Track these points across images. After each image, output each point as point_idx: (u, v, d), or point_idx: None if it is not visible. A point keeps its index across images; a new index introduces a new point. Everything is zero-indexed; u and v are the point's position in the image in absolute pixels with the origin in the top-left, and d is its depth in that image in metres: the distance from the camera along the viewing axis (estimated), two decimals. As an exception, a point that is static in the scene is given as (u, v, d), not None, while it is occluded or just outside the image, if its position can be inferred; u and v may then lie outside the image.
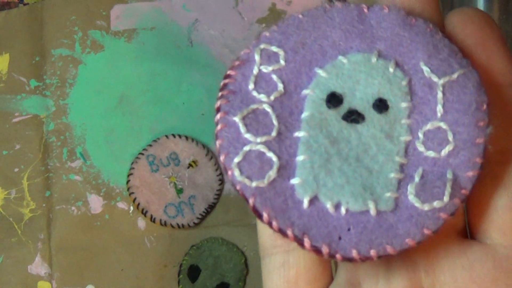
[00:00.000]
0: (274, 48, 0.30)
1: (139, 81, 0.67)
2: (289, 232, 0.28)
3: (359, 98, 0.29)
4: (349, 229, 0.28)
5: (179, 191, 0.65)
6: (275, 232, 0.28)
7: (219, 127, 0.29)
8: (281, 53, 0.30)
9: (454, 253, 0.30)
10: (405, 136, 0.29)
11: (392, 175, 0.28)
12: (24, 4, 0.68)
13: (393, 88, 0.29)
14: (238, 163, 0.28)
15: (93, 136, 0.67)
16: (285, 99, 0.29)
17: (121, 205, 0.66)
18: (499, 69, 0.30)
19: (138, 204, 0.65)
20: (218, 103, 0.29)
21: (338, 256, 0.28)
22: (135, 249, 0.65)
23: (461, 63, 0.29)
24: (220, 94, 0.30)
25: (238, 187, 0.28)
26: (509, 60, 0.30)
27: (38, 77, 0.67)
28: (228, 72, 0.30)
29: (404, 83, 0.29)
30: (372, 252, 0.27)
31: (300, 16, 0.30)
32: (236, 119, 0.29)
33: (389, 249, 0.27)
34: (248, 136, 0.28)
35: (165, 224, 0.65)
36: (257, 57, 0.30)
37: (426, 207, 0.28)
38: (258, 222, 0.30)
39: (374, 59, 0.29)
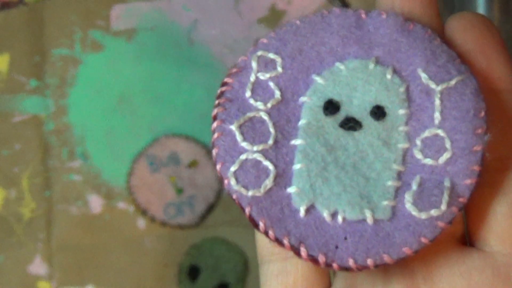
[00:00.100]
0: (271, 55, 0.30)
1: (139, 81, 0.67)
2: (286, 241, 0.28)
3: (356, 105, 0.29)
4: (345, 238, 0.28)
5: (179, 191, 0.65)
6: (272, 241, 0.28)
7: (215, 135, 0.29)
8: (279, 60, 0.30)
9: (453, 261, 0.29)
10: (402, 144, 0.29)
11: (390, 183, 0.28)
12: (24, 4, 0.68)
13: (391, 95, 0.29)
14: (235, 172, 0.28)
15: (93, 136, 0.67)
16: (282, 107, 0.29)
17: (121, 205, 0.66)
18: (499, 75, 0.30)
19: (138, 204, 0.65)
20: (215, 111, 0.29)
21: (335, 265, 0.27)
22: (135, 249, 0.65)
23: (460, 70, 0.29)
24: (217, 102, 0.29)
25: (234, 196, 0.28)
26: (509, 66, 0.30)
27: (38, 77, 0.67)
28: (225, 80, 0.30)
29: (401, 89, 0.29)
30: (369, 261, 0.27)
31: (298, 22, 0.30)
32: (233, 127, 0.29)
33: (386, 258, 0.27)
34: (244, 144, 0.28)
35: (165, 224, 0.65)
36: (254, 64, 0.30)
37: (423, 216, 0.28)
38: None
39: (371, 66, 0.29)
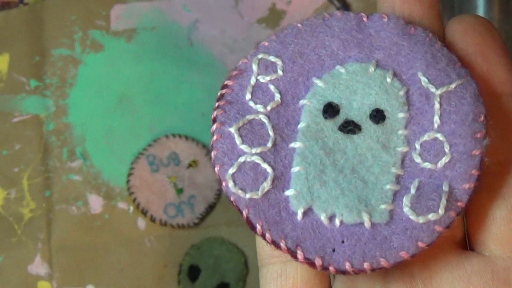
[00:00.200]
0: (272, 58, 0.30)
1: (139, 81, 0.67)
2: (282, 244, 0.28)
3: (356, 108, 0.29)
4: (343, 241, 0.28)
5: (179, 191, 0.66)
6: (269, 244, 0.28)
7: (214, 137, 0.29)
8: (279, 62, 0.30)
9: (452, 265, 0.29)
10: (402, 147, 0.29)
11: (388, 186, 0.28)
12: (24, 4, 0.68)
13: (390, 98, 0.29)
14: (233, 175, 0.28)
15: (93, 136, 0.67)
16: (281, 110, 0.29)
17: (121, 205, 0.66)
18: (499, 79, 0.30)
19: (138, 204, 0.65)
20: (215, 113, 0.29)
21: (331, 268, 0.28)
22: (135, 249, 0.65)
23: (460, 73, 0.29)
24: (216, 104, 0.30)
25: (232, 199, 0.28)
26: (510, 70, 0.30)
27: (38, 77, 0.67)
28: (226, 82, 0.30)
29: (401, 93, 0.29)
30: (366, 265, 0.27)
31: (299, 25, 0.30)
32: (232, 130, 0.29)
33: (383, 262, 0.27)
34: (243, 147, 0.29)
35: (165, 224, 0.65)
36: (254, 67, 0.30)
37: (421, 220, 0.28)
38: (256, 232, 0.30)
39: (372, 69, 0.29)
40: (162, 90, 0.67)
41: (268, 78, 0.29)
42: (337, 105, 0.29)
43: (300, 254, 0.28)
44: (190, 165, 0.66)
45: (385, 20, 0.30)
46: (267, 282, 0.31)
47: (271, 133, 0.29)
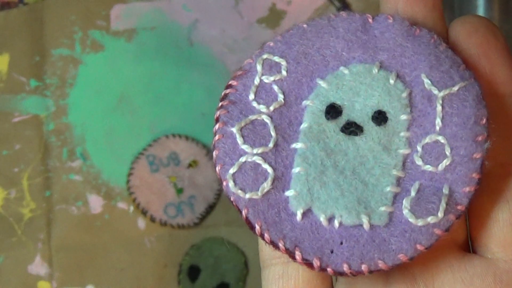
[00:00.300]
0: (276, 58, 0.30)
1: (139, 81, 0.67)
2: (281, 245, 0.28)
3: (358, 109, 0.29)
4: (341, 243, 0.28)
5: (179, 191, 0.66)
6: (267, 244, 0.28)
7: (216, 137, 0.29)
8: (283, 63, 0.30)
9: (454, 267, 0.29)
10: (403, 149, 0.29)
11: (388, 188, 0.28)
12: (24, 4, 0.68)
13: (393, 100, 0.29)
14: (233, 174, 0.28)
15: (93, 136, 0.67)
16: (284, 110, 0.29)
17: (121, 205, 0.66)
18: (502, 80, 0.30)
19: (138, 204, 0.65)
20: (218, 113, 0.29)
21: (329, 269, 0.28)
22: (135, 249, 0.65)
23: (463, 76, 0.29)
24: (220, 104, 0.29)
25: (232, 198, 0.28)
26: None
27: (38, 77, 0.67)
28: (230, 82, 0.30)
29: (404, 95, 0.29)
30: (364, 267, 0.27)
31: (305, 25, 0.30)
32: (234, 130, 0.29)
33: (381, 264, 0.27)
34: (245, 147, 0.29)
35: (165, 224, 0.65)
36: (259, 67, 0.30)
37: (420, 223, 0.28)
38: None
39: (375, 70, 0.29)
40: (162, 90, 0.67)
41: (272, 78, 0.29)
42: (339, 106, 0.29)
43: (298, 255, 0.28)
44: (190, 165, 0.66)
45: (390, 21, 0.30)
46: (269, 283, 0.31)
47: (273, 133, 0.29)
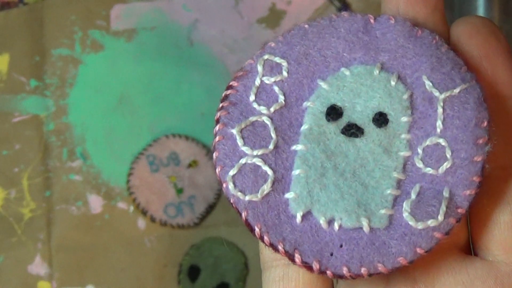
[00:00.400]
0: (277, 59, 0.29)
1: (139, 81, 0.67)
2: (280, 247, 0.28)
3: (359, 111, 0.29)
4: (341, 246, 0.28)
5: (179, 191, 0.66)
6: (267, 247, 0.28)
7: (217, 139, 0.29)
8: (284, 64, 0.29)
9: (455, 270, 0.29)
10: (404, 152, 0.29)
11: (389, 191, 0.28)
12: (24, 4, 0.68)
13: (394, 101, 0.29)
14: (233, 176, 0.28)
15: (93, 136, 0.67)
16: (285, 111, 0.29)
17: (121, 205, 0.66)
18: (504, 81, 0.30)
19: (138, 204, 0.65)
20: (218, 114, 0.29)
21: (328, 272, 0.27)
22: (135, 249, 0.65)
23: (464, 78, 0.29)
24: (220, 105, 0.29)
25: (231, 200, 0.28)
26: None
27: (38, 77, 0.67)
28: (231, 83, 0.30)
29: (405, 97, 0.29)
30: (363, 270, 0.27)
31: (306, 26, 0.30)
32: (234, 131, 0.29)
33: (381, 268, 0.27)
34: (245, 149, 0.28)
35: (165, 224, 0.65)
36: (259, 68, 0.29)
37: (420, 226, 0.27)
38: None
39: (376, 72, 0.29)
40: (162, 90, 0.67)
41: (273, 79, 0.29)
42: (340, 107, 0.29)
43: (297, 258, 0.28)
44: (190, 165, 0.66)
45: (392, 22, 0.29)
46: (269, 285, 0.30)
47: (273, 135, 0.29)
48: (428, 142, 0.28)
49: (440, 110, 0.28)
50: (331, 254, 0.28)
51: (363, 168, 0.28)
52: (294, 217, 0.28)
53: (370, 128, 0.29)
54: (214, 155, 0.29)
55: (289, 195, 0.28)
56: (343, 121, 0.29)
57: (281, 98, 0.29)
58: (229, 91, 0.29)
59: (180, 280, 0.65)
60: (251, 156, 0.28)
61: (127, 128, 0.67)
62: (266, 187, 0.28)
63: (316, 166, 0.28)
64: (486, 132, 0.28)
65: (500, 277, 0.29)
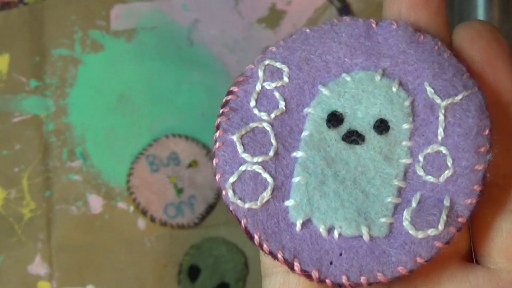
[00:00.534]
0: (278, 64, 0.29)
1: (139, 81, 0.67)
2: (279, 255, 0.28)
3: (360, 118, 0.29)
4: (341, 254, 0.28)
5: (179, 191, 0.66)
6: (266, 255, 0.28)
7: (217, 145, 0.29)
8: (285, 69, 0.29)
9: (457, 278, 0.29)
10: (405, 159, 0.28)
11: (389, 199, 0.28)
12: (24, 4, 0.68)
13: (395, 108, 0.29)
14: (233, 184, 0.28)
15: (93, 136, 0.67)
16: (286, 117, 0.29)
17: (121, 205, 0.66)
18: (506, 87, 0.29)
19: (138, 204, 0.65)
20: (218, 120, 0.29)
21: (328, 281, 0.27)
22: (135, 249, 0.65)
23: (466, 85, 0.28)
24: (221, 111, 0.29)
25: (231, 208, 0.28)
26: None
27: (38, 77, 0.67)
28: (231, 88, 0.30)
29: (406, 103, 0.29)
30: (363, 279, 0.27)
31: (308, 30, 0.30)
32: (234, 138, 0.28)
33: (380, 277, 0.27)
34: (245, 155, 0.28)
35: (165, 224, 0.65)
36: (260, 74, 0.29)
37: (420, 235, 0.27)
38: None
39: (378, 78, 0.29)
40: (162, 90, 0.67)
41: (273, 85, 0.29)
42: (341, 114, 0.29)
43: (297, 266, 0.27)
44: (190, 165, 0.66)
45: (394, 27, 0.29)
46: None
47: (273, 141, 0.29)
48: (429, 150, 0.28)
49: (441, 117, 0.28)
50: (331, 263, 0.27)
51: (363, 176, 0.28)
52: (294, 225, 0.28)
53: (371, 135, 0.29)
54: (214, 161, 0.29)
55: (289, 203, 0.28)
56: (343, 128, 0.29)
57: (282, 104, 0.29)
58: (229, 97, 0.29)
59: (180, 280, 0.65)
60: (251, 163, 0.28)
61: (127, 128, 0.67)
62: (266, 195, 0.28)
63: (316, 173, 0.28)
64: (487, 140, 0.28)
65: (502, 285, 0.29)
